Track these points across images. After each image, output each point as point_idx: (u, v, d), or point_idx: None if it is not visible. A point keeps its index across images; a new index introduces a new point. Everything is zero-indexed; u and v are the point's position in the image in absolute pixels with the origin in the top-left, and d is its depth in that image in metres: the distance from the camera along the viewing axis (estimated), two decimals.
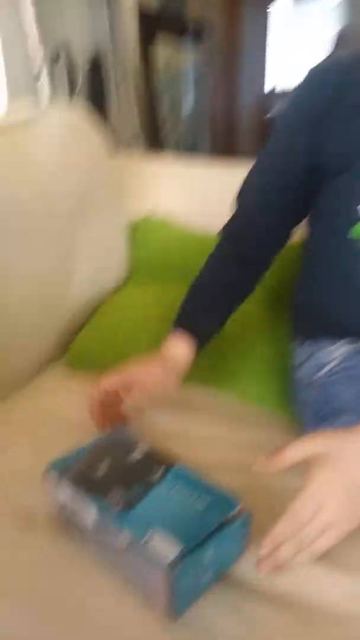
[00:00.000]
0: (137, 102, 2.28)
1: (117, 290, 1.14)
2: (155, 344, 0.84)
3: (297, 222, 0.80)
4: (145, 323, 0.94)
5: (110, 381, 0.67)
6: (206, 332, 0.75)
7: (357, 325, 0.74)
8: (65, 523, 0.54)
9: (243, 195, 0.80)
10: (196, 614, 0.46)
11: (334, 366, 0.73)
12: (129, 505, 0.48)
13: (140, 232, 1.21)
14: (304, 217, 0.80)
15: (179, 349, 0.71)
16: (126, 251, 1.19)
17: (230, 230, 0.81)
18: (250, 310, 0.99)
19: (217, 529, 0.46)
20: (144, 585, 0.46)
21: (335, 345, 0.75)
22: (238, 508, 0.49)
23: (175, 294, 1.03)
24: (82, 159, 0.99)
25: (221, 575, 0.49)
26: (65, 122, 0.98)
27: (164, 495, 0.50)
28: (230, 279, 0.78)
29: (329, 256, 0.75)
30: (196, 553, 0.44)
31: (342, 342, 0.75)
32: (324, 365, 0.74)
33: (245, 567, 0.50)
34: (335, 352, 0.74)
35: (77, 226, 0.95)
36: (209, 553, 0.46)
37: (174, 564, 0.42)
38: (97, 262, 1.04)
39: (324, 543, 0.47)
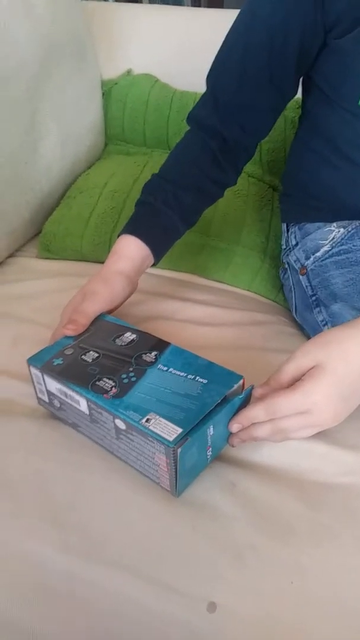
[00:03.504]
0: None
1: (94, 162, 1.04)
2: None
3: (288, 100, 0.68)
4: (121, 203, 0.86)
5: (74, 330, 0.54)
6: (165, 245, 0.65)
7: (353, 203, 0.69)
8: (57, 410, 0.52)
9: (218, 72, 0.66)
10: (193, 491, 0.46)
11: (326, 251, 0.69)
12: (122, 392, 0.46)
13: (118, 91, 1.07)
14: (295, 93, 0.67)
15: (132, 259, 0.62)
16: (101, 114, 1.06)
17: (204, 118, 0.68)
18: (240, 191, 0.92)
19: (219, 404, 0.45)
20: (145, 466, 0.45)
21: (327, 229, 0.71)
22: (241, 381, 0.47)
23: (158, 166, 0.95)
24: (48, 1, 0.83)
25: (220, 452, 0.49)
26: None
27: (158, 379, 0.48)
28: (207, 175, 0.67)
29: (331, 129, 0.67)
30: (200, 429, 0.43)
31: (333, 225, 0.70)
32: (316, 250, 0.71)
33: (240, 446, 0.50)
34: (327, 236, 0.70)
35: (43, 83, 0.82)
36: (212, 429, 0.45)
37: (179, 442, 0.41)
38: (68, 127, 0.92)
39: (302, 434, 0.47)
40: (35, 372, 0.51)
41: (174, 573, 0.40)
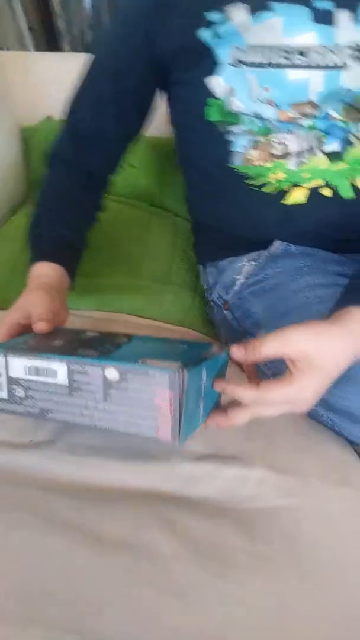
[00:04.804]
0: None
1: (16, 210, 1.04)
2: None
3: (134, 133, 0.75)
4: None
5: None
6: (64, 252, 0.67)
7: (251, 230, 0.73)
8: (19, 404, 0.47)
9: (76, 108, 0.72)
10: (131, 533, 0.45)
11: (242, 284, 0.73)
12: (106, 353, 0.44)
13: (38, 138, 1.08)
14: (140, 127, 0.75)
15: (49, 276, 0.63)
16: (21, 161, 1.07)
17: (63, 152, 0.73)
18: (168, 233, 0.94)
19: (205, 358, 0.45)
20: (139, 420, 0.43)
21: (240, 264, 0.75)
22: (214, 347, 0.48)
23: None
24: None
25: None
26: None
27: (140, 345, 0.47)
28: (76, 204, 0.72)
29: (193, 154, 0.73)
30: (197, 367, 0.42)
31: (244, 259, 0.74)
32: (232, 284, 0.74)
33: (177, 482, 0.50)
34: (240, 270, 0.74)
35: None
36: (205, 375, 0.44)
37: (183, 368, 0.40)
38: None
39: (274, 415, 0.48)
40: None
41: (116, 625, 0.39)
